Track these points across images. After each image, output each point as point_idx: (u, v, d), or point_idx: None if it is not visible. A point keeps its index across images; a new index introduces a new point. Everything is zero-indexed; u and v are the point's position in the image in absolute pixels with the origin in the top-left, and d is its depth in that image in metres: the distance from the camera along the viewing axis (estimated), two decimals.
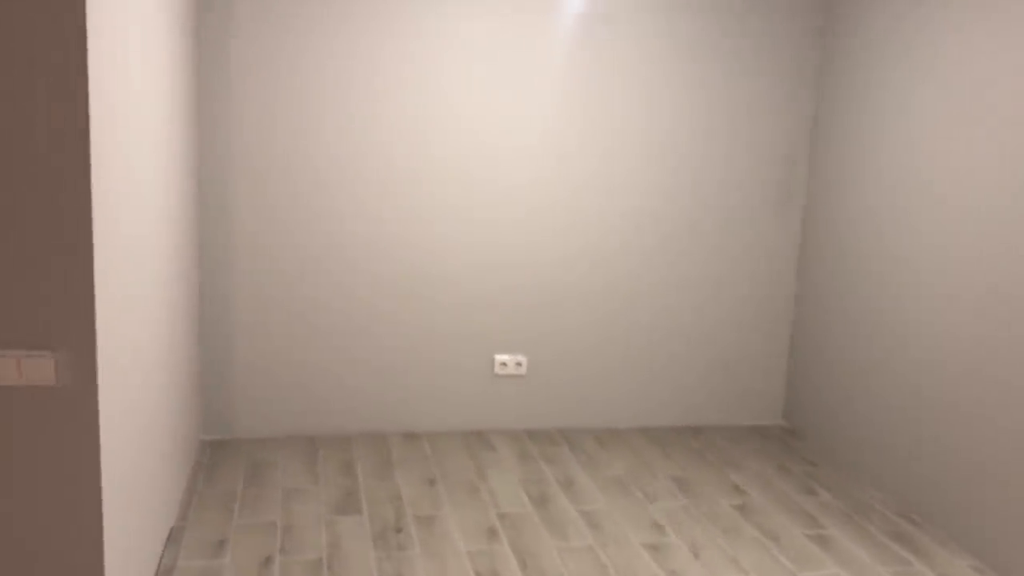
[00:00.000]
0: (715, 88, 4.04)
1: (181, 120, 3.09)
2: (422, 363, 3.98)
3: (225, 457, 3.64)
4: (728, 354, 4.30)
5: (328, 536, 3.01)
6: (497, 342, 4.05)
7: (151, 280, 2.49)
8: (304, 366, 3.86)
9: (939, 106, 3.35)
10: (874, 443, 3.67)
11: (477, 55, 3.79)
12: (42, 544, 1.85)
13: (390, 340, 3.93)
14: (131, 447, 2.21)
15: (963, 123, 3.22)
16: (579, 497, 3.43)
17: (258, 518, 3.12)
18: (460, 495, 3.40)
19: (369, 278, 3.86)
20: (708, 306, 4.23)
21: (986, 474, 3.07)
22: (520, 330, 4.06)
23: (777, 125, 4.13)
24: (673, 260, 4.14)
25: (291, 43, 3.61)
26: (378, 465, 3.64)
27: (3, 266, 1.75)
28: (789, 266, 4.27)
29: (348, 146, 3.73)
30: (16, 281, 1.76)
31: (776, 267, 4.26)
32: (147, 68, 2.41)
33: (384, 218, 3.82)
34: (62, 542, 1.86)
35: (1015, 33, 3.00)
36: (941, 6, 3.35)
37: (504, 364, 4.06)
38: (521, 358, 4.08)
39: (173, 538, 2.93)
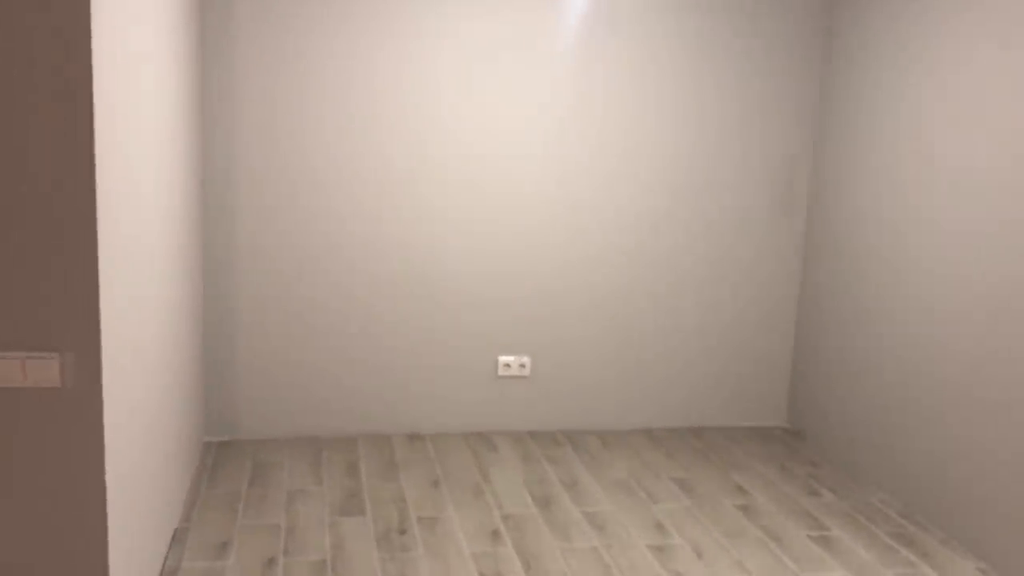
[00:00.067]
0: (718, 89, 4.04)
1: (184, 120, 3.10)
2: (426, 364, 3.98)
3: (229, 458, 3.65)
4: (731, 355, 4.29)
5: (332, 537, 3.01)
6: (501, 343, 4.05)
7: (155, 281, 2.50)
8: (308, 367, 3.86)
9: (942, 107, 3.34)
10: (877, 444, 3.66)
11: (477, 55, 3.79)
12: (47, 545, 1.86)
13: (394, 341, 3.93)
14: (135, 448, 2.21)
15: (966, 124, 3.22)
16: (583, 498, 3.43)
17: (262, 519, 3.12)
18: (464, 496, 3.40)
19: (373, 279, 3.86)
20: (711, 308, 4.22)
21: (990, 475, 3.07)
22: (524, 331, 4.06)
23: (782, 126, 4.13)
24: (677, 262, 4.14)
25: (291, 43, 3.62)
26: (382, 466, 3.64)
27: (7, 267, 1.76)
28: (792, 267, 4.27)
29: (349, 146, 3.74)
30: (20, 282, 1.76)
31: (779, 268, 4.26)
32: (150, 69, 2.42)
33: (387, 218, 3.83)
34: (66, 543, 1.86)
35: (1018, 34, 2.99)
36: (943, 7, 3.34)
37: (508, 365, 4.06)
38: (525, 359, 4.08)
39: (177, 539, 2.94)
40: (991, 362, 3.08)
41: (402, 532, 3.08)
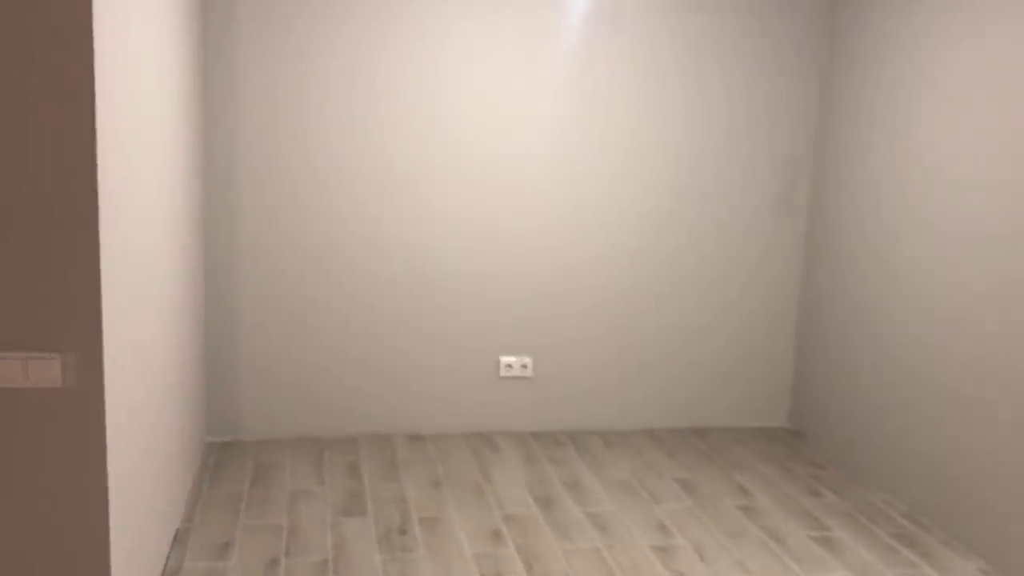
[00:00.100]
0: (722, 89, 4.03)
1: (185, 120, 3.10)
2: (428, 365, 3.98)
3: (231, 459, 3.65)
4: (733, 356, 4.29)
5: (333, 538, 3.01)
6: (502, 344, 4.04)
7: (156, 281, 2.50)
8: (309, 367, 3.86)
9: (944, 108, 3.34)
10: (879, 445, 3.65)
11: (480, 55, 3.79)
12: (48, 546, 1.86)
13: (396, 342, 3.93)
14: (137, 448, 2.21)
15: (968, 125, 3.21)
16: (585, 499, 3.43)
17: (264, 520, 3.12)
18: (465, 497, 3.40)
19: (375, 279, 3.86)
20: (713, 308, 4.22)
21: (993, 475, 3.06)
22: (526, 332, 4.05)
23: (787, 126, 4.12)
24: (679, 262, 4.13)
25: (293, 43, 3.62)
26: (383, 467, 3.64)
27: (9, 267, 1.75)
28: (794, 268, 4.27)
29: (351, 145, 3.74)
30: (22, 282, 1.76)
31: (781, 269, 4.25)
32: (152, 68, 2.42)
33: (389, 219, 3.83)
34: (68, 543, 1.86)
35: (1005, 32, 2.99)
36: (935, 7, 3.34)
37: (509, 366, 4.06)
38: (527, 360, 4.07)
39: (179, 539, 2.94)
40: (992, 362, 3.07)
41: (403, 532, 3.07)
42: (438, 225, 3.88)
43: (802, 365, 4.28)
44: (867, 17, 3.80)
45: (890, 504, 3.52)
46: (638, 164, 4.01)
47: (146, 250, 2.33)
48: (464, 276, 3.94)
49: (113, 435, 1.92)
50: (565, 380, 4.14)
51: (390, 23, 3.69)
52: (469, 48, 3.77)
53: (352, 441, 3.90)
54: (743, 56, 4.02)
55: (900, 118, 3.58)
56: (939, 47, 3.37)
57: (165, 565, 2.73)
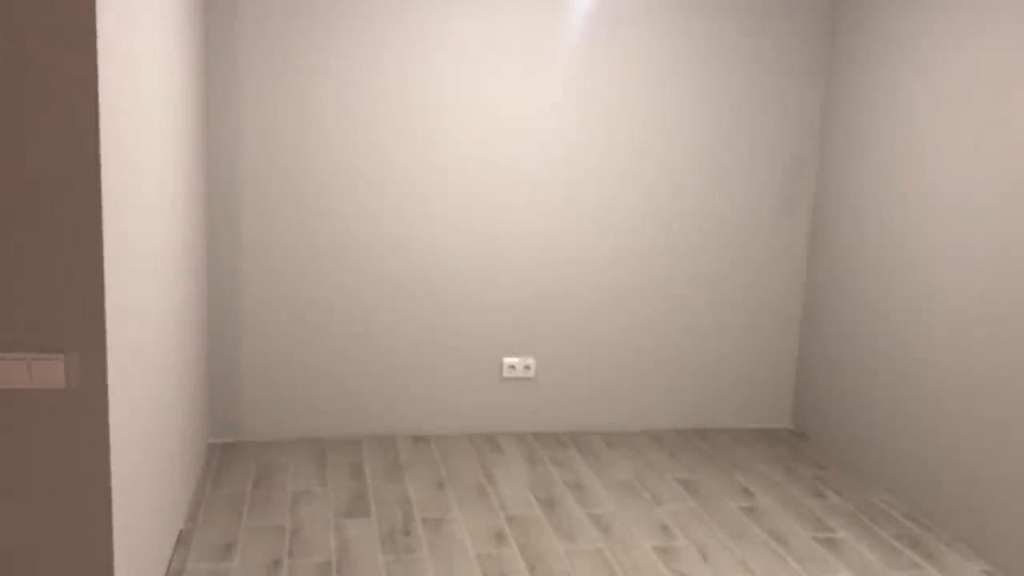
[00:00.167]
0: (726, 89, 4.03)
1: (188, 121, 3.10)
2: (430, 366, 3.98)
3: (233, 460, 3.65)
4: (736, 357, 4.29)
5: (336, 539, 3.01)
6: (505, 345, 4.05)
7: (159, 282, 2.50)
8: (312, 368, 3.87)
9: (944, 108, 3.34)
10: (883, 446, 3.65)
11: (481, 56, 3.79)
12: (52, 547, 1.86)
13: (398, 343, 3.93)
14: (140, 449, 2.21)
15: (970, 125, 3.21)
16: (587, 500, 3.43)
17: (267, 521, 3.12)
18: (468, 498, 3.40)
19: (377, 280, 3.86)
20: (716, 309, 4.22)
21: (996, 477, 3.06)
22: (528, 333, 4.06)
23: (791, 126, 4.12)
24: (681, 263, 4.13)
25: (295, 44, 3.62)
26: (386, 468, 3.64)
27: (12, 268, 1.76)
28: (798, 268, 4.26)
29: (353, 146, 3.74)
30: (26, 284, 1.76)
31: (784, 269, 4.25)
32: (155, 69, 2.42)
33: (391, 219, 3.83)
34: (72, 544, 1.86)
35: (1004, 33, 2.99)
36: (936, 7, 3.34)
37: (512, 367, 4.06)
38: (529, 361, 4.07)
39: (182, 541, 2.94)
40: (995, 363, 3.07)
41: (407, 534, 3.07)
42: (440, 225, 3.88)
43: (804, 366, 4.28)
44: (867, 17, 3.80)
45: (893, 505, 3.52)
46: (639, 164, 4.01)
47: (149, 251, 2.33)
48: (466, 277, 3.95)
49: (116, 436, 1.92)
50: (568, 381, 4.14)
51: (391, 23, 3.69)
52: (471, 49, 3.78)
53: (355, 442, 3.91)
54: (744, 56, 4.02)
55: (900, 118, 3.58)
56: (939, 47, 3.37)
57: (168, 566, 2.73)
